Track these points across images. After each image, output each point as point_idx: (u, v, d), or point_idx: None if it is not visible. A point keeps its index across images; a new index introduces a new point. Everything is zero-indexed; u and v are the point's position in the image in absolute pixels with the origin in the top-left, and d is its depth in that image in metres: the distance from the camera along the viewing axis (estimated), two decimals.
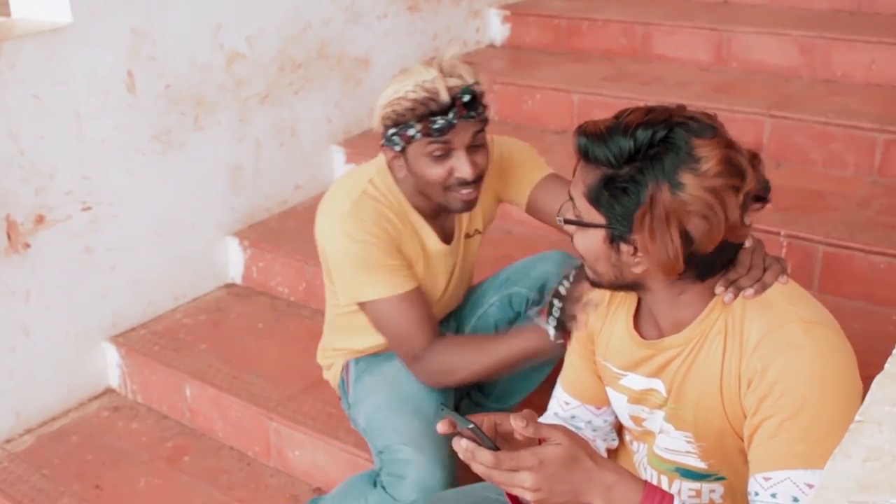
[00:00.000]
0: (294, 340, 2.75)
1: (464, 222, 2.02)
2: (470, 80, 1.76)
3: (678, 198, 1.22)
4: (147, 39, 2.65)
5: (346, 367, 2.11)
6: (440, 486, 1.82)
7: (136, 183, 2.72)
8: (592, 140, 1.27)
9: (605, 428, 1.60)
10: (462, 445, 1.19)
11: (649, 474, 1.52)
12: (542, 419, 1.62)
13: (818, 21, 3.37)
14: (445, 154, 1.77)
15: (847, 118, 2.86)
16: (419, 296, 1.88)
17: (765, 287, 1.33)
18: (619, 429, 1.64)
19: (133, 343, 2.76)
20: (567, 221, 1.34)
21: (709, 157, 1.22)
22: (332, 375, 2.18)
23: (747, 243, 1.35)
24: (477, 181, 1.81)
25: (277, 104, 3.09)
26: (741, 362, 1.30)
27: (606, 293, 1.50)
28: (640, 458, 1.55)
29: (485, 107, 1.81)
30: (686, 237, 1.24)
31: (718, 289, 1.33)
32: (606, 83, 3.33)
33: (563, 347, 1.64)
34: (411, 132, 1.77)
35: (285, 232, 3.06)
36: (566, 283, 1.63)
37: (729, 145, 1.26)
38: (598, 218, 1.29)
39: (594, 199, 1.28)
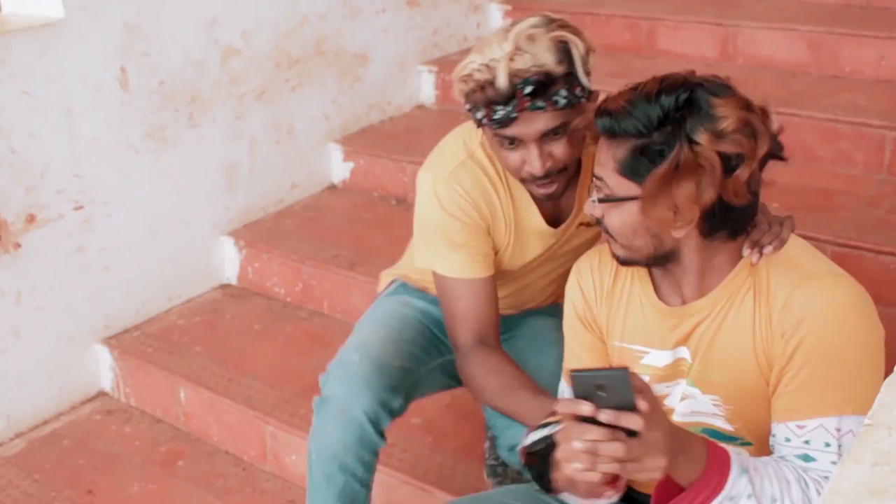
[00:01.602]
0: (291, 342, 2.75)
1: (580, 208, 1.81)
2: (544, 61, 1.53)
3: (696, 153, 1.28)
4: (140, 35, 2.65)
5: (391, 283, 2.05)
6: (361, 385, 1.75)
7: (129, 181, 2.72)
8: (617, 115, 1.31)
9: None
10: (603, 416, 1.12)
11: None
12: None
13: (827, 16, 3.37)
14: (514, 143, 1.62)
15: (856, 115, 2.86)
16: (486, 288, 1.76)
17: (783, 242, 1.40)
18: None
19: (126, 345, 2.76)
20: (602, 200, 1.37)
21: (727, 116, 1.29)
22: (381, 286, 2.12)
23: None
24: (552, 174, 1.64)
25: (274, 101, 3.09)
26: (772, 317, 1.35)
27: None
28: None
29: (573, 91, 1.57)
30: (696, 193, 1.30)
31: (745, 251, 1.39)
32: (610, 79, 3.31)
33: None
34: (479, 115, 1.62)
35: (282, 232, 3.06)
36: (538, 440, 1.35)
37: (746, 106, 1.32)
38: (634, 189, 1.32)
39: (628, 171, 1.32)
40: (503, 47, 1.54)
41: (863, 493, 0.81)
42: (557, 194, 1.69)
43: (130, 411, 2.72)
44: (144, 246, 2.81)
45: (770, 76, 3.25)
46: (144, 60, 2.68)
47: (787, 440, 1.34)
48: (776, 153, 1.37)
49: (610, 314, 1.52)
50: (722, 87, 1.34)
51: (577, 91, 1.58)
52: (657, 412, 1.18)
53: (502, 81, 1.53)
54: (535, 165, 1.61)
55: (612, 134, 1.33)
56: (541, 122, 1.57)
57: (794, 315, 1.33)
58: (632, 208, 1.34)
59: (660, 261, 1.41)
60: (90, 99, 2.57)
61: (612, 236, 1.41)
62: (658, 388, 1.48)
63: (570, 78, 1.57)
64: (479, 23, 3.87)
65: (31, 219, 2.52)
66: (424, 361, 1.91)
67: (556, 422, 1.29)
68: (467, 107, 1.64)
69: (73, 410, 2.72)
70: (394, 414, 1.81)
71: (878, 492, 0.81)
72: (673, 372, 1.47)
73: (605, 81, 3.32)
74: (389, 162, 3.24)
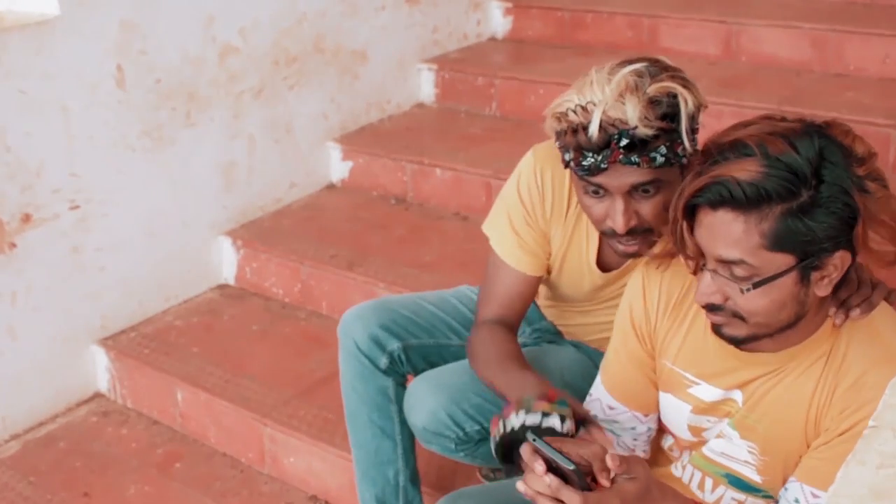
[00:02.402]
0: (289, 343, 2.75)
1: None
2: (632, 122, 1.42)
3: (868, 190, 1.19)
4: (137, 32, 2.65)
5: None
6: (367, 315, 1.92)
7: (125, 180, 2.72)
8: (756, 182, 1.17)
9: (645, 436, 1.55)
10: (546, 481, 1.18)
11: (689, 473, 1.51)
12: None
13: (831, 13, 3.37)
14: (600, 193, 1.52)
15: (861, 114, 2.86)
16: (523, 285, 1.75)
17: (872, 307, 1.31)
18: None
19: (123, 346, 2.76)
20: (758, 285, 1.22)
21: (854, 143, 1.21)
22: None
23: None
24: (636, 233, 1.54)
25: (272, 99, 3.10)
26: (836, 390, 1.29)
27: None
28: (682, 462, 1.53)
29: (675, 149, 1.47)
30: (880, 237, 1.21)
31: (832, 310, 1.30)
32: None
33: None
34: (567, 157, 1.51)
35: (280, 231, 3.06)
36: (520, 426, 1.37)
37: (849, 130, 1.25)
38: (786, 260, 1.20)
39: (781, 243, 1.19)
40: (605, 91, 1.44)
41: (867, 496, 0.81)
42: (640, 254, 1.59)
43: (127, 413, 2.72)
44: (141, 246, 2.81)
45: (773, 74, 3.25)
46: (141, 58, 2.68)
47: (797, 501, 1.32)
48: None
49: (669, 332, 1.45)
50: (832, 123, 1.25)
51: (679, 150, 1.47)
52: (622, 485, 1.19)
53: (595, 129, 1.43)
54: (619, 221, 1.51)
55: (752, 205, 1.18)
56: (632, 176, 1.48)
57: (860, 397, 1.27)
58: (787, 282, 1.22)
59: (784, 329, 1.29)
60: (86, 97, 2.57)
61: (741, 318, 1.27)
62: (698, 420, 1.45)
63: (673, 135, 1.46)
64: (480, 20, 3.87)
65: (26, 218, 2.52)
66: (456, 331, 1.96)
67: (548, 413, 1.33)
68: (557, 144, 1.55)
69: (69, 412, 2.72)
70: (395, 359, 1.90)
71: (882, 494, 0.81)
72: (718, 409, 1.43)
73: None
74: (389, 161, 3.24)
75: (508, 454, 1.38)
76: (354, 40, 3.34)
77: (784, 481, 1.38)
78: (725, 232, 1.21)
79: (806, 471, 1.32)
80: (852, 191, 1.18)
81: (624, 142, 1.43)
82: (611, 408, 1.54)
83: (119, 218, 2.73)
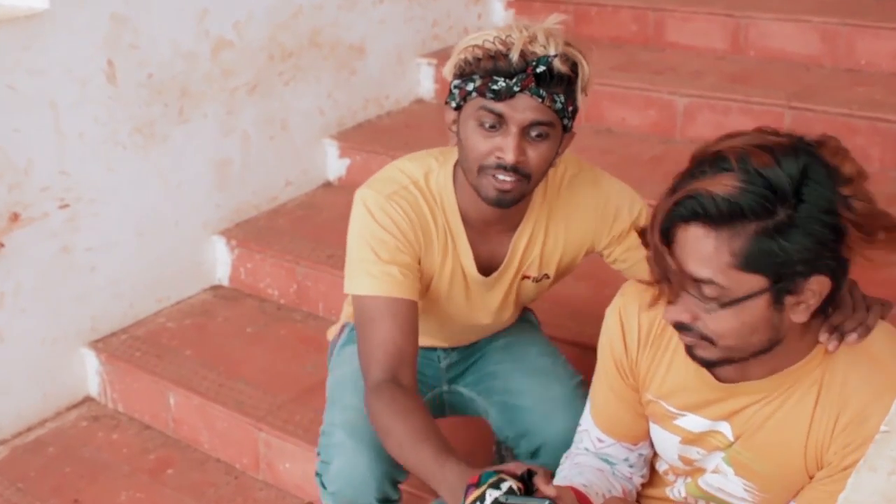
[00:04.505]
0: (284, 346, 2.75)
1: (519, 259, 1.82)
2: (552, 52, 1.55)
3: (854, 210, 1.16)
4: (128, 26, 2.65)
5: (342, 329, 2.04)
6: (364, 477, 1.72)
7: (116, 179, 2.72)
8: (732, 196, 1.14)
9: (640, 462, 1.56)
10: None
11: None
12: (570, 452, 1.61)
13: (841, 7, 3.37)
14: (496, 127, 1.59)
15: (872, 110, 2.86)
16: (408, 314, 1.69)
17: (868, 330, 1.28)
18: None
19: (113, 349, 2.76)
20: (727, 305, 1.19)
21: (843, 163, 1.19)
22: (332, 333, 2.10)
23: None
24: (517, 172, 1.61)
25: (267, 95, 3.09)
26: (837, 423, 1.26)
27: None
28: (676, 487, 1.53)
29: (568, 105, 1.59)
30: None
31: (823, 336, 1.27)
32: (616, 72, 3.33)
33: None
34: (470, 86, 1.60)
35: (275, 231, 3.06)
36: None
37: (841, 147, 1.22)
38: (758, 282, 1.17)
39: (753, 263, 1.16)
40: (522, 33, 1.56)
41: (879, 503, 0.81)
42: (508, 200, 1.64)
43: (118, 417, 2.72)
44: (132, 246, 2.81)
45: (782, 69, 3.26)
46: (132, 53, 2.68)
47: None
48: None
49: (651, 365, 1.44)
50: (824, 140, 1.22)
51: (570, 108, 1.61)
52: None
53: (516, 54, 1.55)
54: (509, 153, 1.58)
55: (725, 221, 1.15)
56: (534, 111, 1.57)
57: (863, 431, 1.23)
58: (758, 304, 1.18)
59: (758, 354, 1.26)
60: (76, 93, 2.57)
61: (709, 340, 1.24)
62: (688, 450, 1.45)
63: (570, 90, 1.60)
64: (480, 14, 3.87)
65: (14, 217, 2.52)
66: None
67: (482, 498, 1.29)
68: (456, 82, 1.63)
69: (59, 416, 2.72)
70: (401, 477, 1.80)
71: (894, 501, 0.81)
72: (705, 440, 1.42)
73: (612, 75, 3.34)
74: (387, 158, 3.19)
75: None
76: (352, 34, 3.34)
77: None
78: (696, 248, 1.18)
79: (807, 502, 1.32)
80: (838, 209, 1.16)
81: (541, 68, 1.54)
82: (600, 440, 1.55)
83: (110, 217, 2.73)
